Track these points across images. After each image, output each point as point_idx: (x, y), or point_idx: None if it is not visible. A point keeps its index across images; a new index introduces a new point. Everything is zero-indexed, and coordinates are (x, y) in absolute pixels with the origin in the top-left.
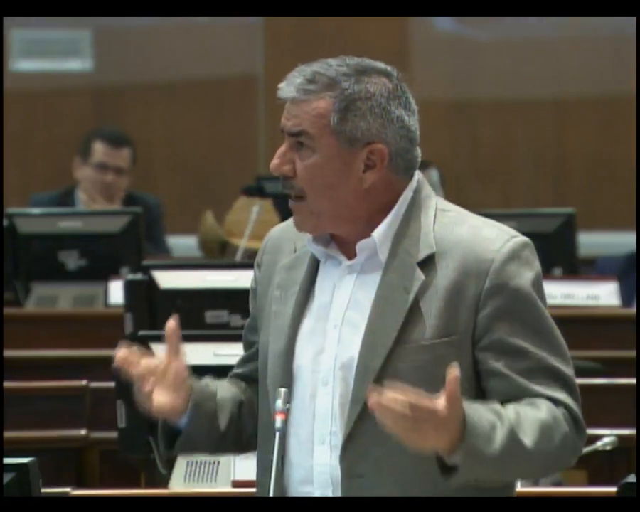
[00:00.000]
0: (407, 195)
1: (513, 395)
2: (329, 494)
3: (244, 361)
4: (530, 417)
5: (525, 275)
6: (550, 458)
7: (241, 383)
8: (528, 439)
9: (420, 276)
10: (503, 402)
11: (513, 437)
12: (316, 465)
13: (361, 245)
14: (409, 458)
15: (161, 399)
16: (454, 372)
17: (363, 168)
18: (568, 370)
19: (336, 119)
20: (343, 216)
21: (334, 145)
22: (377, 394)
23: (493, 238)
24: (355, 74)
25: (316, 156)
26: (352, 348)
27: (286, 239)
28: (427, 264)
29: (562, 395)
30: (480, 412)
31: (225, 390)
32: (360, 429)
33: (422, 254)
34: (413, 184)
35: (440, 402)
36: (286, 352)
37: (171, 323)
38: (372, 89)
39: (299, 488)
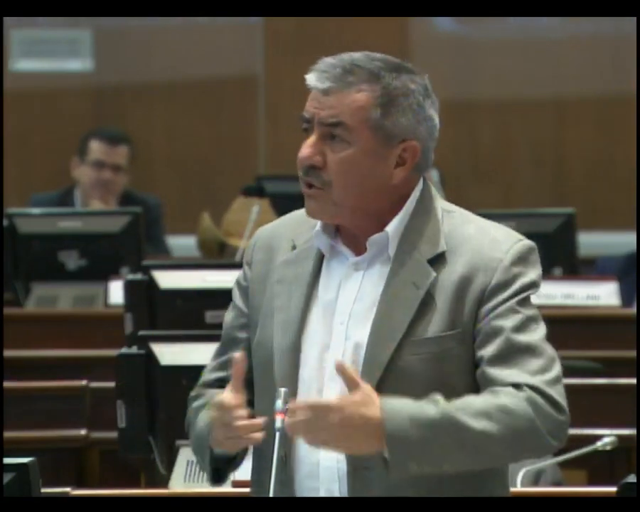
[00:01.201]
0: (415, 193)
1: (484, 385)
2: (335, 489)
3: (230, 363)
4: (479, 402)
5: (529, 275)
6: (510, 441)
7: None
8: (471, 420)
9: (432, 273)
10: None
11: (448, 418)
12: (322, 460)
13: (373, 240)
14: None
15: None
16: (338, 362)
17: (394, 165)
18: (552, 352)
19: (378, 114)
20: (364, 209)
21: (372, 139)
22: (286, 417)
23: (501, 239)
24: (393, 69)
25: (352, 148)
26: (360, 342)
27: (280, 237)
28: (437, 262)
29: (534, 379)
30: (403, 401)
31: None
32: None
33: (432, 252)
34: (420, 184)
35: (334, 397)
36: (294, 346)
37: (239, 363)
38: (412, 86)
39: (305, 483)
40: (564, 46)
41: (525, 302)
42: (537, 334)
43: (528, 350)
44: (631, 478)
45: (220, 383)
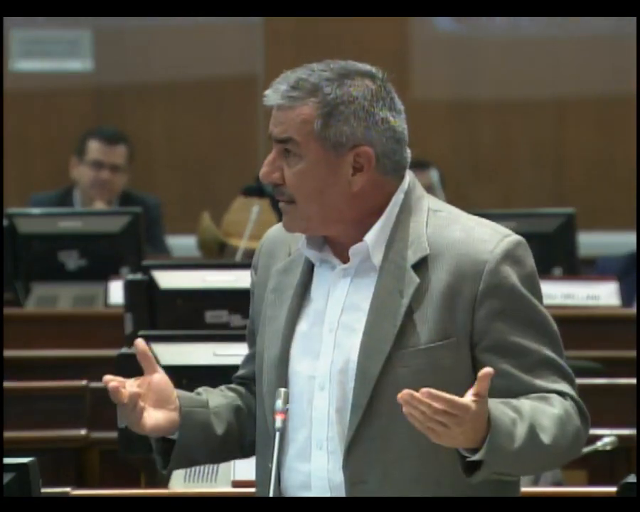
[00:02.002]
0: (398, 197)
1: (521, 392)
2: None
3: (246, 361)
4: (547, 412)
5: (519, 273)
6: (565, 451)
7: (240, 388)
8: (546, 434)
9: (415, 279)
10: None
11: (532, 433)
12: (314, 470)
13: (354, 250)
14: (414, 463)
15: (153, 416)
16: (487, 370)
17: (352, 172)
18: (564, 362)
19: (320, 125)
20: (332, 219)
21: (320, 150)
22: (409, 393)
23: (486, 239)
24: (337, 78)
25: (303, 162)
26: (349, 351)
27: (281, 242)
28: (421, 266)
29: (566, 388)
30: (501, 409)
31: (218, 397)
32: (363, 434)
33: (416, 257)
34: (404, 185)
35: (468, 399)
36: (281, 358)
37: (140, 345)
38: (355, 92)
39: (297, 493)
40: (564, 46)
41: (522, 300)
42: (550, 344)
43: (547, 363)
44: (631, 478)
45: (240, 379)
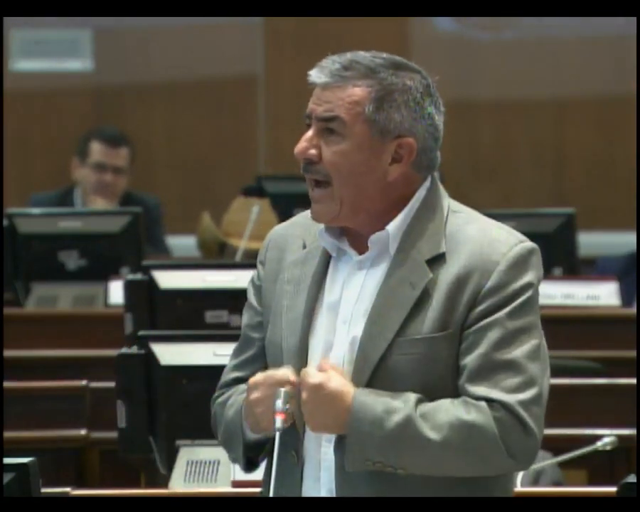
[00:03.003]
0: (420, 193)
1: (461, 393)
2: (333, 490)
3: (248, 362)
4: (450, 412)
5: (526, 279)
6: (468, 456)
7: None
8: (434, 430)
9: (428, 273)
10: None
11: (410, 424)
12: (323, 461)
13: (374, 239)
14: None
15: None
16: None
17: (390, 161)
18: (535, 371)
19: (371, 108)
20: (363, 206)
21: (366, 133)
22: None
23: (502, 241)
24: (392, 66)
25: (346, 142)
26: (356, 340)
27: (292, 236)
28: (435, 263)
29: (508, 397)
30: (373, 398)
31: None
32: None
33: (431, 253)
34: (427, 183)
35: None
36: (301, 347)
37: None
38: (409, 83)
39: (310, 483)
40: (564, 46)
41: (518, 310)
42: (522, 349)
43: (508, 367)
44: (631, 478)
45: (239, 383)
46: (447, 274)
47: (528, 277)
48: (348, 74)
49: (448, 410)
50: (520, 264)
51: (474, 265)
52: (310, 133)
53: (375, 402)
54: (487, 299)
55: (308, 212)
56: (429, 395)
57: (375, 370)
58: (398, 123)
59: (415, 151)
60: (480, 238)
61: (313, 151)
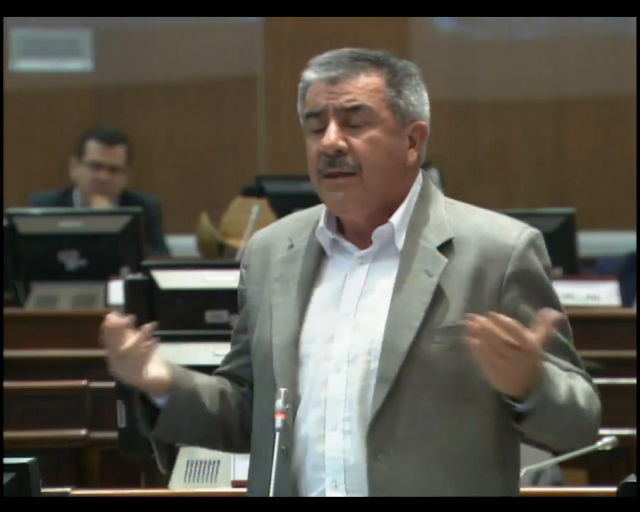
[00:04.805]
0: (416, 187)
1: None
2: (340, 480)
3: (230, 358)
4: (578, 383)
5: (542, 262)
6: (592, 424)
7: (223, 379)
8: (580, 399)
9: (443, 259)
10: None
11: (572, 392)
12: (328, 450)
13: (378, 232)
14: (437, 441)
15: (155, 368)
16: (550, 313)
17: (408, 145)
18: (578, 354)
19: (392, 93)
20: (387, 195)
21: (392, 118)
22: (481, 325)
23: (509, 226)
24: (392, 56)
25: (376, 129)
26: (371, 333)
27: (278, 237)
28: (446, 248)
29: (584, 373)
30: (546, 364)
31: (204, 376)
32: (388, 408)
33: (440, 239)
34: (420, 178)
35: (531, 335)
36: (293, 341)
37: (111, 321)
38: (412, 69)
39: (309, 474)
40: (564, 46)
41: (546, 288)
42: (565, 333)
43: (565, 346)
44: (631, 478)
45: (219, 375)
46: (463, 263)
47: (541, 259)
48: (359, 63)
49: (576, 381)
50: (532, 247)
51: (490, 253)
52: (335, 125)
53: (549, 367)
54: (513, 284)
55: (293, 214)
56: (462, 382)
57: (406, 360)
58: (414, 106)
59: (426, 134)
60: (489, 225)
61: (342, 143)
